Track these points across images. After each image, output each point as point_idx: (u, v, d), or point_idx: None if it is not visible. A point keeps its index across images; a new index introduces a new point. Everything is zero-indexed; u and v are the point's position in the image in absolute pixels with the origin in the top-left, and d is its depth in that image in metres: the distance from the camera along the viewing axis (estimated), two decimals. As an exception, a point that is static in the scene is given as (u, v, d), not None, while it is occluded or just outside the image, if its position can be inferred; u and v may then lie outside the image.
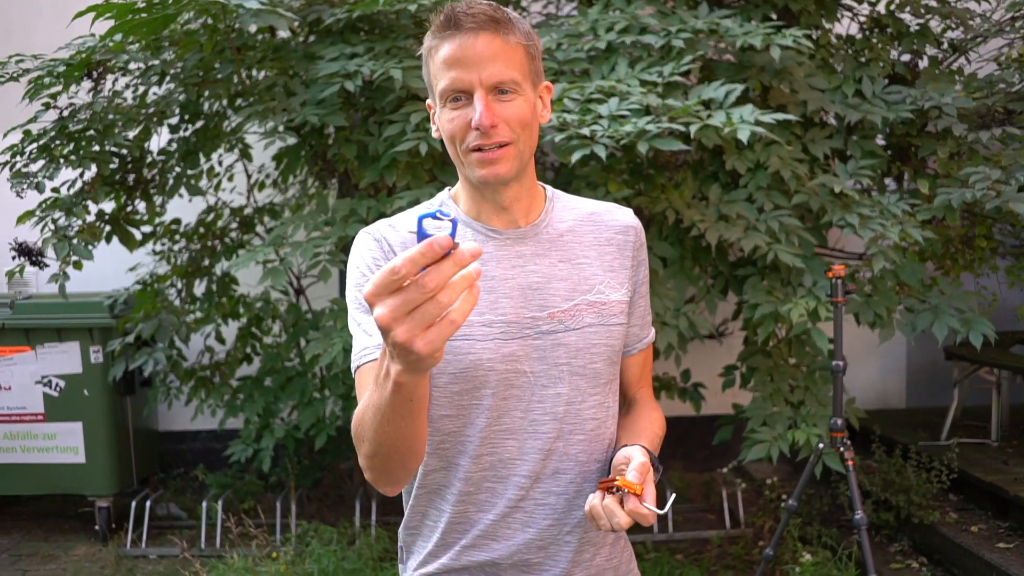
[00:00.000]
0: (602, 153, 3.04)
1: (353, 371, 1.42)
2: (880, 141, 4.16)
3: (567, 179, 3.73)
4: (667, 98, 3.28)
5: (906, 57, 4.42)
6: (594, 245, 1.53)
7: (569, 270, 1.49)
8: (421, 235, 0.96)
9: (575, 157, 3.05)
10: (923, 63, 4.44)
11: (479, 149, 1.40)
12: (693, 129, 3.08)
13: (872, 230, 3.37)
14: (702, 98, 3.35)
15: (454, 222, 0.97)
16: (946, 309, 3.45)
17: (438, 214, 0.98)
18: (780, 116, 3.23)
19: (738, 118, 3.14)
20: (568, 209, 1.56)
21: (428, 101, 1.49)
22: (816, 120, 3.90)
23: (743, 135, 3.04)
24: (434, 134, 1.49)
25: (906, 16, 4.35)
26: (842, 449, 3.23)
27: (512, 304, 1.44)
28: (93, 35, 3.69)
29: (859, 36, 4.39)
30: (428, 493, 1.52)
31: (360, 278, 1.45)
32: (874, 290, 3.56)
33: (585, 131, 3.08)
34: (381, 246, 1.46)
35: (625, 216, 1.58)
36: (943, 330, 3.40)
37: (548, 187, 1.58)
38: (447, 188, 1.58)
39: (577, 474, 1.48)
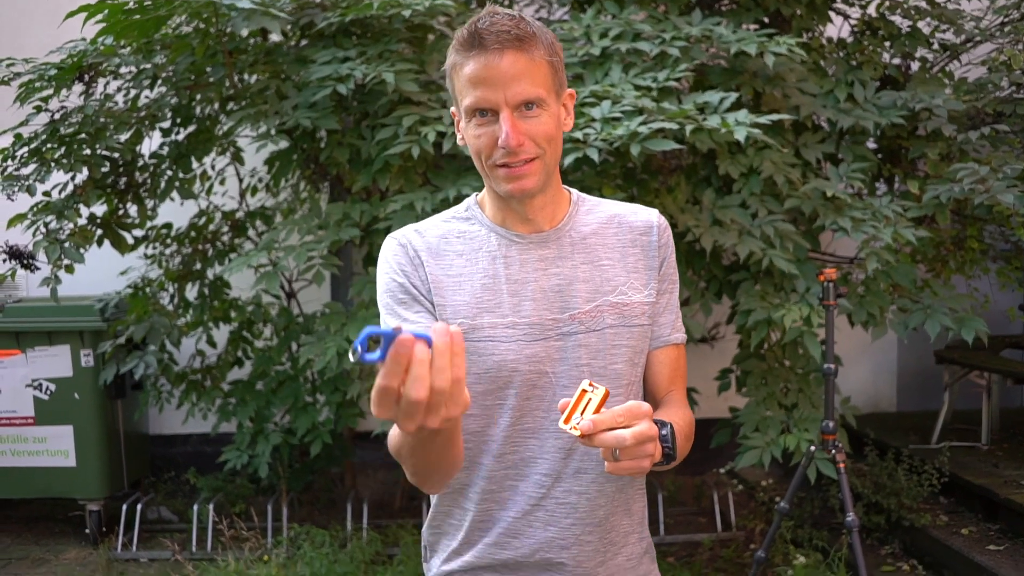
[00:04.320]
0: (595, 156, 3.04)
1: None
2: (871, 144, 4.18)
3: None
4: (661, 103, 3.29)
5: (897, 60, 4.44)
6: (617, 247, 1.55)
7: (591, 272, 1.52)
8: (363, 348, 1.01)
9: (567, 160, 3.05)
10: (914, 66, 4.46)
11: (506, 165, 1.43)
12: (689, 130, 3.09)
13: (864, 232, 3.38)
14: (697, 103, 3.36)
15: (387, 336, 1.01)
16: (939, 308, 3.46)
17: (370, 338, 1.02)
18: (775, 116, 3.24)
19: (733, 121, 3.15)
20: (592, 213, 1.58)
21: (452, 109, 1.52)
22: (808, 124, 3.91)
23: (740, 135, 3.06)
24: (459, 142, 1.52)
25: (897, 18, 4.37)
26: (833, 452, 3.24)
27: (534, 306, 1.48)
28: (84, 39, 3.68)
29: (850, 39, 4.41)
30: (452, 492, 1.55)
31: (389, 283, 1.51)
32: (867, 291, 3.57)
33: (578, 134, 3.09)
34: (406, 251, 1.51)
35: (650, 215, 1.59)
36: (935, 328, 3.41)
37: (573, 191, 1.60)
38: (474, 194, 1.60)
39: (599, 474, 1.50)
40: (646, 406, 1.26)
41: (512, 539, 1.51)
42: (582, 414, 1.25)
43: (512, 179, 1.43)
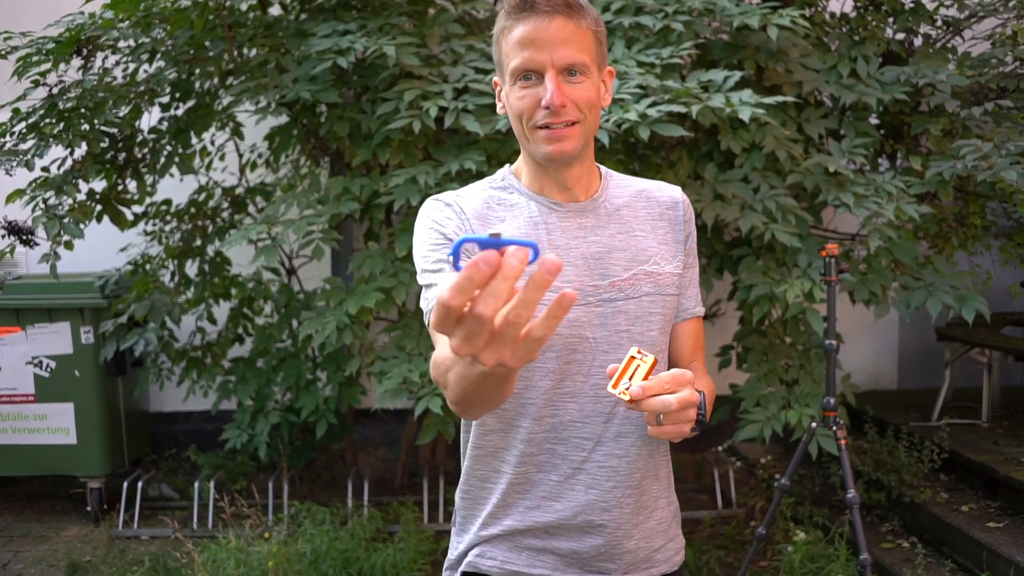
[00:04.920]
0: (605, 139, 3.02)
1: (425, 317, 1.48)
2: (873, 120, 4.16)
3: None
4: (665, 80, 3.26)
5: (900, 35, 4.41)
6: (648, 219, 1.60)
7: (627, 241, 1.56)
8: (456, 259, 0.89)
9: None
10: (917, 41, 4.43)
11: (547, 127, 1.46)
12: (695, 110, 3.07)
13: (867, 208, 3.37)
14: (701, 81, 3.34)
15: (482, 244, 0.85)
16: (940, 286, 3.46)
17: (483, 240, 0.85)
18: (780, 98, 3.22)
19: (737, 100, 3.13)
20: (622, 187, 1.63)
21: (495, 79, 1.57)
22: (811, 100, 3.89)
23: (744, 116, 3.04)
24: (499, 110, 1.57)
25: (901, -7, 4.34)
26: (835, 428, 3.24)
27: (576, 272, 1.51)
28: (82, 12, 3.65)
29: (853, 14, 4.38)
30: (486, 455, 1.57)
31: (432, 234, 1.50)
32: (869, 268, 3.56)
33: None
34: (452, 208, 1.53)
35: (674, 192, 1.65)
36: (936, 307, 3.41)
37: (602, 167, 1.65)
38: (507, 165, 1.63)
39: (638, 438, 1.53)
40: (689, 374, 1.31)
41: (553, 502, 1.53)
42: (630, 380, 1.29)
43: (552, 140, 1.47)
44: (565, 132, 1.47)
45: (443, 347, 1.30)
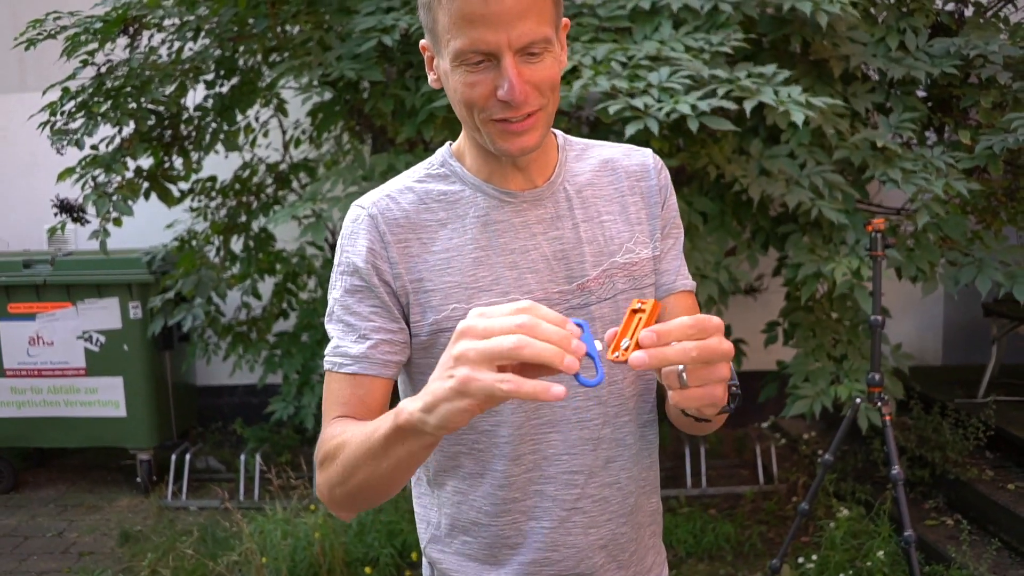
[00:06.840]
0: (655, 128, 3.00)
1: (324, 369, 1.27)
2: (921, 93, 4.09)
3: (604, 134, 3.70)
4: (713, 67, 3.23)
5: (950, 6, 4.32)
6: (616, 198, 1.35)
7: (594, 231, 1.32)
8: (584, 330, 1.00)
9: (630, 131, 3.01)
10: (968, 12, 4.34)
11: (504, 120, 1.19)
12: (748, 106, 3.04)
13: (915, 184, 3.33)
14: (752, 72, 3.30)
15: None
16: (990, 263, 3.41)
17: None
18: (829, 101, 3.19)
19: (787, 96, 3.09)
20: (583, 158, 1.37)
21: (423, 42, 1.25)
22: (857, 74, 3.84)
23: (797, 119, 3.00)
24: (432, 83, 1.26)
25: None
26: (879, 404, 3.22)
27: (538, 279, 1.28)
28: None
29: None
30: (452, 507, 1.36)
31: (344, 279, 1.28)
32: (916, 244, 3.52)
33: (638, 103, 3.04)
34: (376, 225, 1.27)
35: (644, 157, 1.39)
36: (986, 284, 3.36)
37: (558, 132, 1.38)
38: (447, 144, 1.35)
39: (627, 459, 1.35)
40: (716, 319, 0.99)
41: (552, 552, 1.32)
42: (632, 338, 1.00)
43: (511, 136, 1.20)
44: (526, 124, 1.19)
45: (337, 425, 1.21)
